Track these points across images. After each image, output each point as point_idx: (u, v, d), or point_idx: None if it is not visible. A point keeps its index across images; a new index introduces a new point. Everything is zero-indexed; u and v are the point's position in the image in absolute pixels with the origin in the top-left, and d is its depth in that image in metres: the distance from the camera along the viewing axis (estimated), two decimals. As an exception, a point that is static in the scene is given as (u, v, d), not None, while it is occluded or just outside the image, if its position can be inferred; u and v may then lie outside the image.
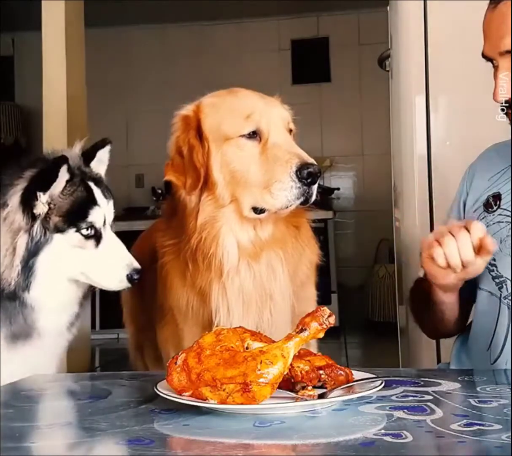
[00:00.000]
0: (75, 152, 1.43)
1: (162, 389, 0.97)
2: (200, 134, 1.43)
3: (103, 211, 1.38)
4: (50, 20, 3.25)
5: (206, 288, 1.44)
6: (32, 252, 1.33)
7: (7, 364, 1.37)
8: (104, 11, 5.08)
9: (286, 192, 1.33)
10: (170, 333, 1.60)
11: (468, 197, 1.48)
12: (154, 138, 6.10)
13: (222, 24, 6.00)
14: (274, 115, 1.42)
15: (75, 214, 1.35)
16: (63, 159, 1.33)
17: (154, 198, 5.77)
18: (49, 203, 1.34)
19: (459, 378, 1.12)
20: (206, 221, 1.41)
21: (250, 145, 1.39)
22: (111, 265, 1.37)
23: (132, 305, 1.97)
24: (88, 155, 1.44)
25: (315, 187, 1.34)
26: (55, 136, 3.13)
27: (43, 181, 1.33)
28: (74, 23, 3.37)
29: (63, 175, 1.34)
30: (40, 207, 1.33)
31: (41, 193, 1.33)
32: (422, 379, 1.11)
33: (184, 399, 0.93)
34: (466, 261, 1.21)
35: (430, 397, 0.99)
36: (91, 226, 1.36)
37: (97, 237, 1.37)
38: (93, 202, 1.37)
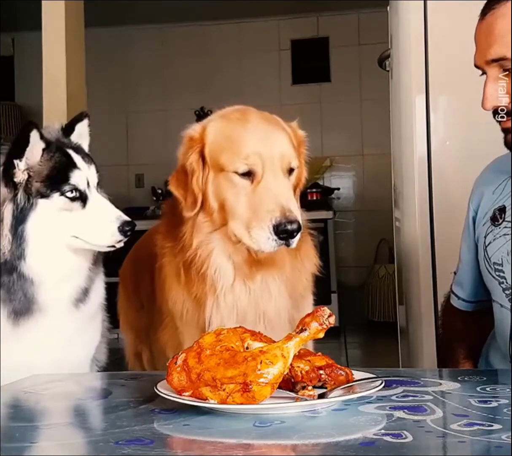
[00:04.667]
0: (54, 127, 1.50)
1: (162, 389, 0.97)
2: (203, 157, 1.46)
3: (84, 174, 1.42)
4: (50, 20, 3.25)
5: (201, 298, 1.48)
6: (20, 219, 1.36)
7: (11, 342, 1.38)
8: (104, 11, 5.07)
9: (263, 240, 1.36)
10: (170, 335, 1.60)
11: (478, 213, 1.50)
12: (154, 138, 6.14)
13: (222, 24, 5.99)
14: (274, 156, 1.41)
15: (56, 178, 1.39)
16: (31, 125, 1.37)
17: (154, 198, 5.77)
18: (28, 171, 1.38)
19: (459, 378, 1.12)
20: (202, 240, 1.46)
21: (242, 183, 1.41)
22: (101, 221, 1.40)
23: (129, 312, 1.96)
24: (67, 129, 1.49)
25: (295, 239, 1.36)
26: (55, 136, 3.12)
27: (17, 149, 1.38)
28: (74, 23, 3.36)
29: (37, 142, 1.38)
30: (20, 175, 1.38)
31: (18, 161, 1.37)
32: (422, 379, 1.11)
33: (184, 399, 0.93)
34: None
35: (430, 397, 0.99)
36: (75, 189, 1.40)
37: (82, 198, 1.40)
38: (73, 166, 1.41)
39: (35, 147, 1.38)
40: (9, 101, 6.04)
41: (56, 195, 1.38)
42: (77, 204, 1.40)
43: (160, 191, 5.75)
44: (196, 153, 1.45)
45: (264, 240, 1.36)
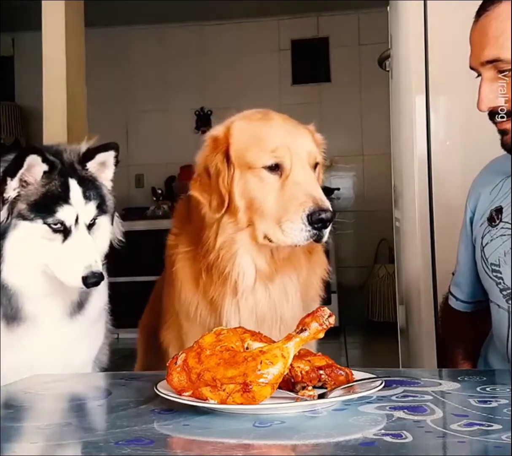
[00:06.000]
0: (76, 148, 1.43)
1: (162, 389, 0.97)
2: (228, 157, 1.44)
3: (75, 211, 1.35)
4: (50, 20, 3.24)
5: (218, 301, 1.47)
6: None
7: (5, 346, 1.38)
8: (104, 11, 5.07)
9: (296, 233, 1.35)
10: (172, 336, 1.59)
11: (475, 214, 1.50)
12: (154, 138, 6.14)
13: (222, 24, 5.99)
14: (300, 151, 1.42)
15: (41, 207, 1.34)
16: (31, 149, 1.34)
17: (154, 198, 5.77)
18: (19, 190, 1.35)
19: (459, 378, 1.12)
20: (225, 241, 1.44)
21: (271, 178, 1.40)
22: (71, 262, 1.34)
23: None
24: (87, 155, 1.42)
25: (327, 230, 1.36)
26: (55, 136, 3.12)
27: (11, 168, 1.34)
28: (74, 23, 3.36)
29: (36, 165, 1.34)
30: (9, 192, 1.34)
31: (9, 179, 1.34)
32: (422, 379, 1.11)
33: (184, 399, 0.93)
34: None
35: (430, 397, 0.99)
36: (60, 222, 1.34)
37: (66, 232, 1.35)
38: (63, 200, 1.35)
39: (34, 169, 1.34)
40: (9, 101, 6.04)
41: (39, 222, 1.34)
42: (58, 236, 1.35)
43: (160, 191, 5.75)
44: (221, 154, 1.44)
45: (297, 232, 1.35)
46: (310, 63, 6.01)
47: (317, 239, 1.36)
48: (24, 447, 0.83)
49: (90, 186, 1.40)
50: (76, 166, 1.40)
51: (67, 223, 1.35)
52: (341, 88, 5.89)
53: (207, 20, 5.92)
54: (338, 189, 5.80)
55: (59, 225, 1.34)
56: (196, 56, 6.03)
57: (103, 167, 1.45)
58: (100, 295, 1.51)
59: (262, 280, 1.45)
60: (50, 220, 1.34)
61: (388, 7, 2.56)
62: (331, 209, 1.35)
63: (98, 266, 1.34)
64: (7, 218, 1.33)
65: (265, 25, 5.99)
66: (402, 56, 2.28)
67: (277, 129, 1.44)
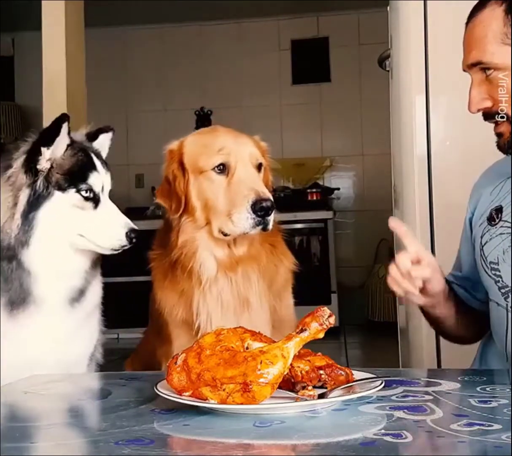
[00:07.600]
0: (80, 132, 1.55)
1: (162, 389, 0.97)
2: (183, 166, 1.65)
3: (101, 178, 1.48)
4: (50, 20, 3.25)
5: (188, 293, 1.62)
6: (33, 206, 1.40)
7: (8, 335, 1.40)
8: (104, 11, 5.07)
9: (243, 221, 1.54)
10: (164, 351, 1.68)
11: (475, 214, 1.50)
12: (154, 138, 6.10)
13: (222, 24, 5.99)
14: (243, 152, 1.62)
15: (75, 175, 1.44)
16: (64, 116, 1.42)
17: (154, 198, 5.77)
18: (51, 161, 1.42)
19: (459, 378, 1.12)
20: (186, 239, 1.62)
21: (219, 179, 1.60)
22: (110, 224, 1.46)
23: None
24: (92, 135, 1.56)
25: (270, 217, 1.55)
26: (55, 136, 3.12)
27: (47, 137, 1.42)
28: (74, 23, 3.36)
29: (65, 136, 1.43)
30: (43, 163, 1.42)
31: (45, 149, 1.42)
32: (422, 379, 1.11)
33: (184, 399, 0.93)
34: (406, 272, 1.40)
35: (430, 397, 0.99)
36: (90, 189, 1.44)
37: (95, 200, 1.46)
38: (93, 167, 1.47)
39: (62, 140, 1.43)
40: (9, 101, 6.04)
41: (72, 191, 1.42)
42: (89, 204, 1.44)
43: (160, 191, 5.75)
44: (176, 162, 1.65)
45: (244, 221, 1.53)
46: (310, 63, 6.00)
47: (264, 227, 1.54)
48: (24, 447, 0.83)
49: (102, 159, 1.53)
50: (86, 144, 1.52)
51: (96, 190, 1.45)
52: (341, 88, 5.89)
53: (207, 20, 5.92)
54: (338, 189, 5.80)
55: (89, 193, 1.44)
56: (196, 56, 6.03)
57: (101, 148, 1.57)
58: (97, 286, 1.56)
59: (224, 270, 1.61)
60: (83, 186, 1.43)
61: (388, 7, 2.56)
62: (271, 199, 1.54)
63: (132, 223, 1.48)
64: (47, 188, 1.40)
65: (265, 25, 5.99)
66: (402, 56, 2.28)
67: (221, 137, 1.65)
